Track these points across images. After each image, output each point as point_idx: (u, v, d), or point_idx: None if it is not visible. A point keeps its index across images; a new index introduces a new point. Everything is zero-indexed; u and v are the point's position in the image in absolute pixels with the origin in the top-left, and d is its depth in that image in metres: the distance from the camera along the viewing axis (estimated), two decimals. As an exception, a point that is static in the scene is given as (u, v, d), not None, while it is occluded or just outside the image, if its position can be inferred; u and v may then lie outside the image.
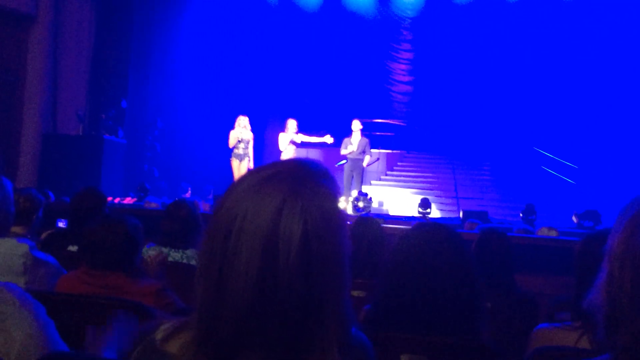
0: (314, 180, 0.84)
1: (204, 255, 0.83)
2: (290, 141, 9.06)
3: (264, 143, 11.94)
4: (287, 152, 9.09)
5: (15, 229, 2.74)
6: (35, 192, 3.19)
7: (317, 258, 0.79)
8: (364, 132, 9.44)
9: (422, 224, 1.68)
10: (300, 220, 0.79)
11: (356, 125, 9.19)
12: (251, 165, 8.83)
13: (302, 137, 9.21)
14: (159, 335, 0.89)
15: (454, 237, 1.59)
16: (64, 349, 1.26)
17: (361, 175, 9.21)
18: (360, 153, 9.10)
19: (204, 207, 6.57)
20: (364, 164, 9.21)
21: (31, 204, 3.06)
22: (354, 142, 9.11)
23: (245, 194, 0.82)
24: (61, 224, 3.72)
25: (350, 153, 9.10)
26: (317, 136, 9.54)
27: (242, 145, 8.80)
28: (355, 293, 2.52)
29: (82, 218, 3.12)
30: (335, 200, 0.85)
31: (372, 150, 9.76)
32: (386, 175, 12.29)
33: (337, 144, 9.48)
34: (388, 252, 1.68)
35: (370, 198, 8.09)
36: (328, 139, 9.44)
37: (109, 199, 7.26)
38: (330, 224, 0.82)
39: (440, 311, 1.49)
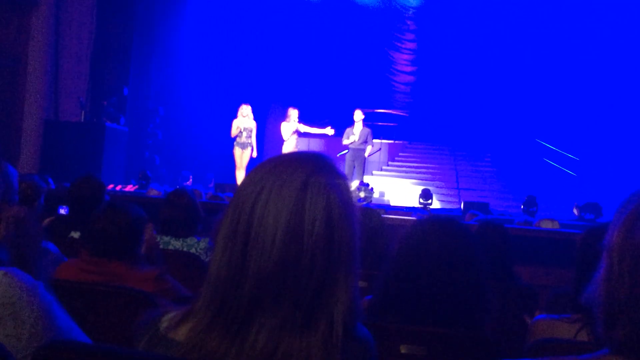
0: (332, 166, 0.91)
1: (227, 225, 0.86)
2: (294, 131, 9.05)
3: (265, 132, 11.93)
4: (290, 141, 9.08)
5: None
6: (37, 179, 3.20)
7: (338, 233, 0.85)
8: (366, 122, 9.42)
9: (432, 216, 1.68)
10: (324, 195, 0.85)
11: (358, 115, 9.17)
12: (254, 155, 8.84)
13: (303, 127, 9.20)
14: (164, 324, 0.90)
15: (463, 232, 1.59)
16: (70, 326, 1.28)
17: (363, 166, 9.21)
18: (362, 143, 9.09)
19: (207, 196, 6.57)
20: (366, 154, 9.20)
21: (33, 190, 3.07)
22: (356, 132, 9.10)
23: (271, 171, 0.88)
24: (62, 211, 3.73)
25: (352, 143, 9.09)
26: (318, 127, 9.54)
27: (244, 134, 8.80)
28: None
29: (82, 205, 3.12)
30: (349, 186, 0.92)
31: (374, 140, 9.75)
32: (388, 165, 12.28)
33: (339, 133, 9.47)
34: (391, 243, 1.68)
35: (372, 188, 8.10)
36: (329, 131, 9.45)
37: (110, 186, 7.28)
38: (348, 203, 0.88)
39: (443, 304, 1.50)
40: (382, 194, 10.49)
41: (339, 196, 0.87)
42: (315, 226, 0.83)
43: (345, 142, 9.16)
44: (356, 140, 9.06)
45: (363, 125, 9.18)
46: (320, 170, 0.88)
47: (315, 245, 0.83)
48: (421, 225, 1.63)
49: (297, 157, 0.91)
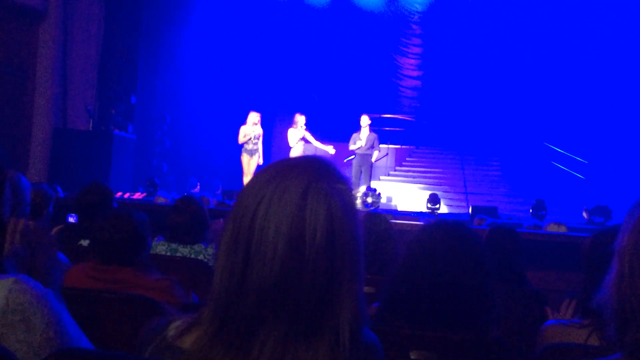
0: (333, 171, 0.89)
1: (229, 236, 0.85)
2: (301, 138, 9.07)
3: (272, 138, 11.95)
4: (297, 148, 9.09)
5: (29, 223, 2.76)
6: (46, 187, 3.21)
7: (340, 240, 0.83)
8: (373, 127, 9.42)
9: (439, 220, 1.67)
10: (325, 202, 0.83)
11: (365, 120, 9.17)
12: (261, 161, 8.85)
13: (309, 136, 9.20)
14: (171, 332, 0.90)
15: (470, 236, 1.58)
16: (79, 334, 1.29)
17: (370, 171, 9.20)
18: (368, 148, 9.08)
19: (214, 203, 6.58)
20: (373, 159, 9.20)
21: (42, 199, 3.09)
22: (363, 137, 9.10)
23: (271, 179, 0.86)
24: (71, 219, 3.74)
25: (358, 148, 9.09)
26: (321, 142, 9.56)
27: (253, 141, 8.83)
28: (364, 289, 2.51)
29: (90, 213, 3.13)
30: (351, 190, 0.90)
31: (381, 145, 9.74)
32: (395, 170, 12.27)
33: (346, 139, 9.47)
34: (399, 248, 1.67)
35: (379, 193, 8.08)
36: (330, 150, 9.44)
37: (119, 194, 7.31)
38: (350, 209, 0.86)
39: (451, 308, 1.49)
40: (389, 199, 10.47)
41: (340, 202, 0.85)
42: (317, 235, 0.81)
43: (352, 147, 9.15)
44: (363, 145, 9.06)
45: (370, 131, 9.18)
46: (321, 176, 0.86)
47: (317, 254, 0.81)
48: (428, 229, 1.62)
49: (297, 163, 0.89)
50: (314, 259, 0.81)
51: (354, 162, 9.19)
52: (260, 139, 8.96)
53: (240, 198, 0.87)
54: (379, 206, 7.83)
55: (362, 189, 8.42)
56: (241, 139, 8.85)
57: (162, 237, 3.01)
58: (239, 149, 8.97)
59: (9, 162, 1.50)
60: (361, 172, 9.08)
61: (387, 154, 11.46)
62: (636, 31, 11.52)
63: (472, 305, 1.50)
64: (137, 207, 2.79)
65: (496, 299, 1.56)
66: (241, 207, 0.86)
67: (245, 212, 0.84)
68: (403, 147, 12.67)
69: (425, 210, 7.83)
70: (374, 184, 9.43)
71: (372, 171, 9.47)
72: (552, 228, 4.95)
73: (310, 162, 0.89)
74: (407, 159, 12.69)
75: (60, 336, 1.22)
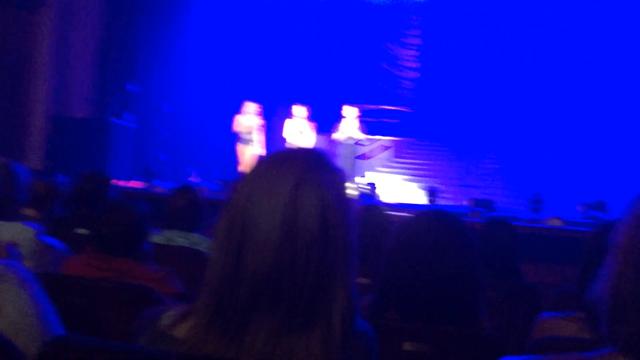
0: (326, 163, 0.90)
1: (223, 227, 0.86)
2: (298, 129, 9.04)
3: (271, 129, 11.92)
4: (294, 139, 9.07)
5: (29, 211, 2.75)
6: (54, 182, 3.20)
7: (332, 231, 0.84)
8: (370, 118, 9.40)
9: (424, 211, 1.65)
10: (317, 193, 0.84)
11: (348, 111, 9.14)
12: (259, 151, 8.86)
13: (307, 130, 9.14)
14: (164, 321, 0.91)
15: (456, 225, 1.57)
16: (59, 332, 1.27)
17: (354, 162, 9.17)
18: (354, 139, 9.07)
19: (212, 192, 6.58)
20: (361, 150, 9.19)
21: (46, 191, 3.08)
22: (347, 128, 9.04)
23: (264, 170, 0.87)
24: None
25: (342, 138, 9.05)
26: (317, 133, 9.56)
27: (248, 131, 8.83)
28: (360, 280, 2.52)
29: (87, 201, 3.13)
30: (343, 180, 0.91)
31: (378, 137, 9.73)
32: (392, 162, 12.26)
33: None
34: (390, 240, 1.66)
35: (375, 185, 8.09)
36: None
37: (116, 182, 7.30)
38: (342, 200, 0.87)
39: (440, 299, 1.49)
40: (385, 192, 10.47)
41: (333, 193, 0.86)
42: (310, 226, 0.82)
43: (334, 136, 9.11)
44: (350, 136, 9.02)
45: (358, 122, 9.13)
46: (313, 167, 0.87)
47: (310, 244, 0.82)
48: (413, 220, 1.61)
49: (290, 155, 0.90)
50: (306, 249, 0.82)
51: (342, 151, 9.14)
52: (259, 129, 8.96)
53: (234, 189, 0.88)
54: (374, 198, 7.84)
55: (357, 180, 8.43)
56: (236, 127, 8.86)
57: (158, 229, 3.00)
58: (238, 139, 8.98)
59: (4, 150, 1.50)
60: (350, 162, 9.05)
61: (382, 146, 11.45)
62: (631, 28, 11.51)
63: (459, 295, 1.50)
64: (134, 196, 2.78)
65: (485, 289, 1.56)
66: (235, 198, 0.86)
67: (239, 203, 0.85)
68: (400, 139, 12.65)
69: (422, 202, 7.85)
70: (369, 176, 9.43)
71: (365, 162, 9.45)
72: (554, 222, 4.96)
73: (304, 153, 0.90)
74: (404, 150, 12.68)
75: (33, 329, 1.18)
